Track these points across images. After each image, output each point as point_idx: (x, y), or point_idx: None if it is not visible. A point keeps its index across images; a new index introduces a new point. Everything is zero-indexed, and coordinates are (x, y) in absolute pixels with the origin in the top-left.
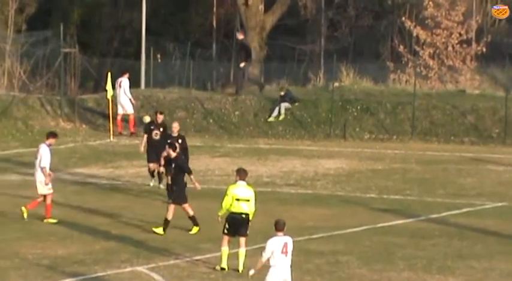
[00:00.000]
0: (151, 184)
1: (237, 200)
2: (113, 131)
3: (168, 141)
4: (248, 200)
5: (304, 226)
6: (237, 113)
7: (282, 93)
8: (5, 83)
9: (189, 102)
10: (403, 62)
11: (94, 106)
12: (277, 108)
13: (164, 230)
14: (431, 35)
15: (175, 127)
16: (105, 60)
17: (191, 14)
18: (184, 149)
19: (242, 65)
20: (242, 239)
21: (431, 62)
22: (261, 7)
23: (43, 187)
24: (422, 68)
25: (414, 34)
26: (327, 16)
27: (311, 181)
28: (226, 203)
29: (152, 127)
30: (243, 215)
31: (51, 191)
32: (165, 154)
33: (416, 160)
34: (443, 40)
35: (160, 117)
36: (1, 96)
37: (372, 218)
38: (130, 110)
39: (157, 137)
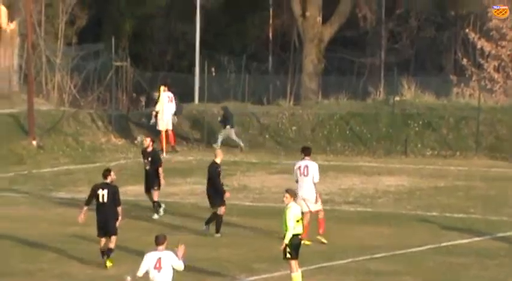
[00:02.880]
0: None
1: (297, 221)
2: (166, 147)
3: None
4: (302, 219)
5: (363, 245)
6: (294, 128)
7: (219, 117)
8: (55, 98)
9: (245, 117)
10: (467, 76)
11: (146, 121)
12: (221, 136)
13: None
14: (496, 47)
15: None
16: (157, 74)
17: (247, 26)
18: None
19: None
20: (297, 261)
21: (496, 75)
22: (319, 19)
23: (313, 203)
24: (486, 82)
25: (478, 46)
26: (387, 27)
27: (371, 199)
28: (292, 226)
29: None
30: (299, 236)
31: (320, 207)
32: None
33: (481, 177)
34: (508, 52)
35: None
36: (51, 111)
37: (434, 238)
38: (170, 125)
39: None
